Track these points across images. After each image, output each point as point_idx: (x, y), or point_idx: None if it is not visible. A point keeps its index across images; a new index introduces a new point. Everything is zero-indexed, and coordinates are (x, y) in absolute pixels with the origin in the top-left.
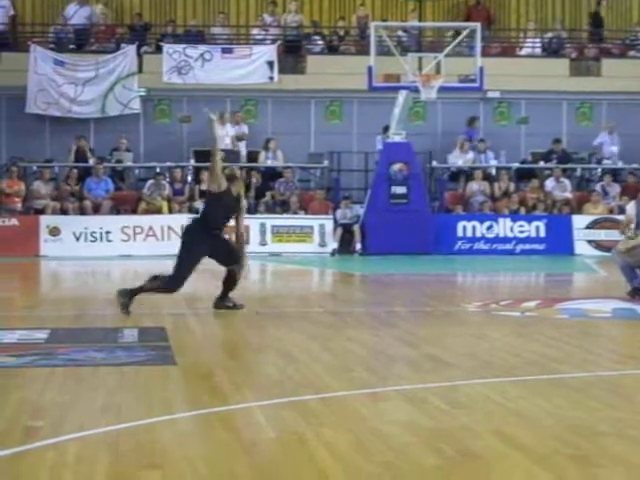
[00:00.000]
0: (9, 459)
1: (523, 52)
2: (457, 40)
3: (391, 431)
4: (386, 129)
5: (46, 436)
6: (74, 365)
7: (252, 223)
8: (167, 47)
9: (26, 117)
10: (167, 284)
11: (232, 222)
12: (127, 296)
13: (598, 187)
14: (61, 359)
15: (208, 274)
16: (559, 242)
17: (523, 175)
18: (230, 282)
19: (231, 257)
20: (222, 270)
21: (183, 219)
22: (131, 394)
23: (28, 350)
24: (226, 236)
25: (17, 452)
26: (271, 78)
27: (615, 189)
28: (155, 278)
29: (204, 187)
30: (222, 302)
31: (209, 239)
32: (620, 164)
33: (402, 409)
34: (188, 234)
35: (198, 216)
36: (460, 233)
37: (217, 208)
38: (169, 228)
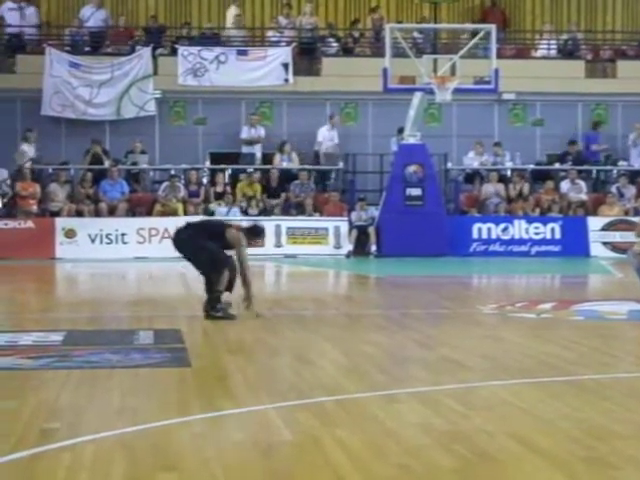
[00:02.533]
0: (26, 460)
1: (538, 54)
2: (472, 42)
3: (406, 433)
4: (401, 131)
5: (62, 438)
6: (90, 367)
7: (267, 225)
8: (182, 49)
9: (42, 119)
10: (222, 275)
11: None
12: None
13: (613, 189)
14: (77, 361)
15: None
16: (574, 244)
17: (538, 177)
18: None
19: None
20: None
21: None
22: (147, 396)
23: (44, 352)
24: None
25: (34, 453)
26: (286, 80)
27: (631, 191)
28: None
29: (219, 189)
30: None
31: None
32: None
33: (417, 411)
34: (194, 239)
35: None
36: (475, 235)
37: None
38: None
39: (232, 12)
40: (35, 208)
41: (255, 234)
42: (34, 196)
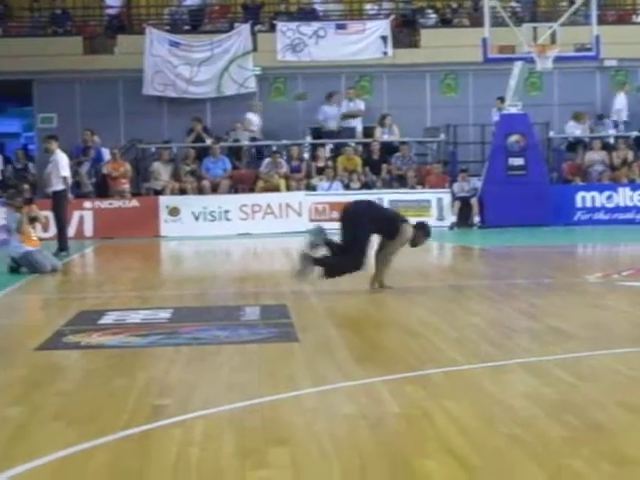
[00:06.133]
0: (138, 437)
1: None
2: (572, 8)
3: (516, 404)
4: (501, 100)
5: (173, 414)
6: (198, 344)
7: (370, 199)
8: (281, 25)
9: (143, 99)
10: (351, 267)
11: None
12: (309, 263)
13: None
14: (185, 338)
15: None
16: None
17: None
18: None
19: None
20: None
21: (301, 196)
22: (255, 371)
23: (152, 330)
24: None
25: (145, 430)
26: (385, 53)
27: None
28: (339, 256)
29: (320, 164)
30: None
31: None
32: None
33: (526, 381)
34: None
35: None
36: (579, 204)
37: None
38: (287, 205)
39: None
40: (127, 187)
41: (426, 233)
42: (125, 175)
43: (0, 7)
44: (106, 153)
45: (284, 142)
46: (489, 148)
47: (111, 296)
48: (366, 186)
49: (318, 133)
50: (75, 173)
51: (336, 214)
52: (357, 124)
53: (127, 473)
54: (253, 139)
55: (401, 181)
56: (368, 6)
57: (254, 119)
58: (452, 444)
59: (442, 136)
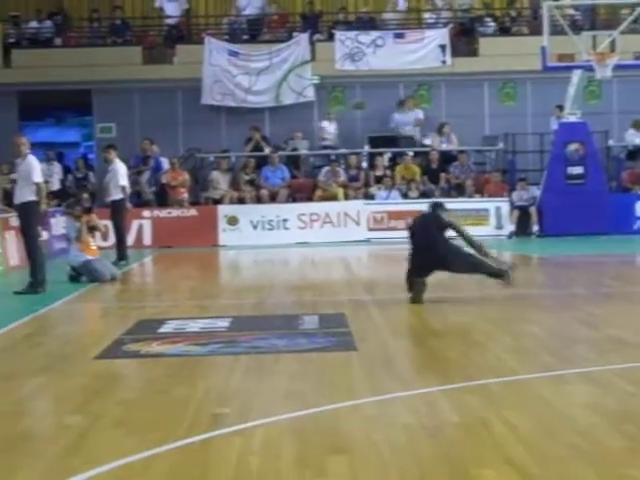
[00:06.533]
0: (199, 445)
1: None
2: (632, 16)
3: (575, 413)
4: (560, 109)
5: (233, 423)
6: (257, 352)
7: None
8: (339, 34)
9: (202, 108)
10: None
11: None
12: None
13: None
14: (244, 347)
15: (386, 260)
16: None
17: None
18: None
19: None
20: (396, 255)
21: (359, 205)
22: (314, 380)
23: (211, 338)
24: None
25: (206, 439)
26: (444, 62)
27: None
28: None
29: (379, 173)
30: None
31: None
32: None
33: (586, 391)
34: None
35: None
36: (639, 212)
37: None
38: (345, 214)
39: None
40: (186, 196)
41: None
42: (184, 185)
43: (60, 18)
44: (165, 162)
45: (342, 151)
46: (548, 157)
47: (170, 305)
48: (424, 195)
49: (376, 141)
50: (135, 182)
51: (394, 223)
52: (416, 133)
53: None
54: (327, 147)
55: (459, 190)
56: (427, 15)
57: (329, 127)
58: (511, 453)
59: (501, 145)
